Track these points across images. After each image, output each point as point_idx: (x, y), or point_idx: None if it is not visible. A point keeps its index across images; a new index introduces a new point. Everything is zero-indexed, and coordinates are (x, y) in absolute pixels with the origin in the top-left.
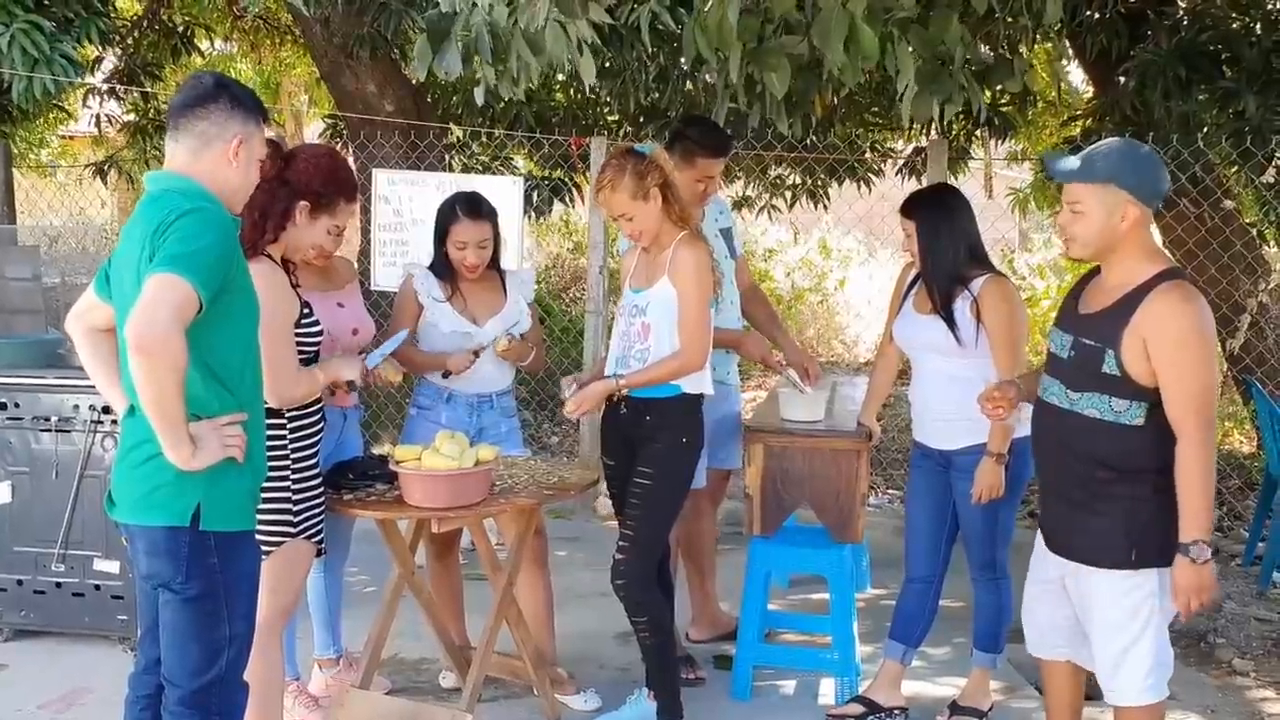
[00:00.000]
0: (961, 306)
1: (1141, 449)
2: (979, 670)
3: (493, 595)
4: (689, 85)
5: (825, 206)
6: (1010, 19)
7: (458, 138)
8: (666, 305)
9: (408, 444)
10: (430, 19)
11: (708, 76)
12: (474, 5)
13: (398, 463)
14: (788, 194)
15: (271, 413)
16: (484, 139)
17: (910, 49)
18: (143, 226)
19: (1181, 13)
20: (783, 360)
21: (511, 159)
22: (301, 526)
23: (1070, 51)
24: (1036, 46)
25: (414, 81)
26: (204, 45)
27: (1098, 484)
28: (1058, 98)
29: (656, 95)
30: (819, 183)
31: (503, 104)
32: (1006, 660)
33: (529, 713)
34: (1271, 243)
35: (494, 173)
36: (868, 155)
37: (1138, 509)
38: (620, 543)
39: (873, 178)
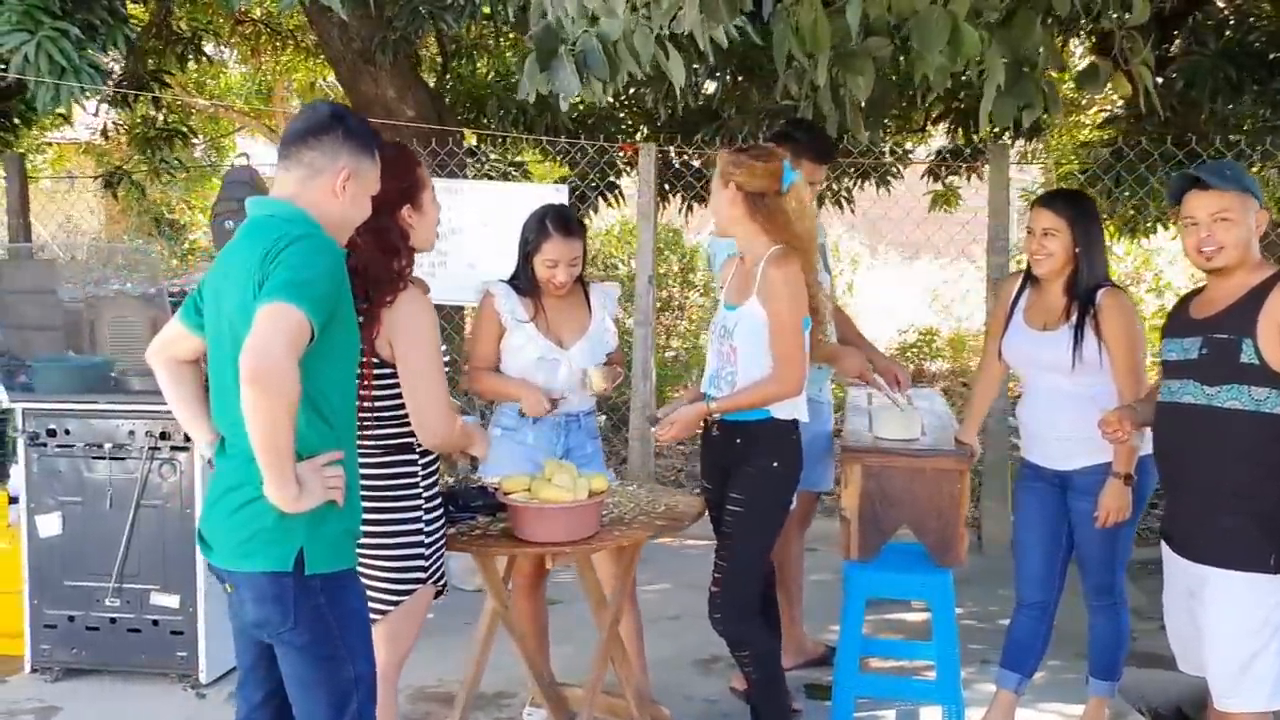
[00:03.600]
0: (1086, 321)
1: None
2: (1096, 699)
3: (598, 631)
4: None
5: (853, 210)
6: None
7: (472, 143)
8: (754, 326)
9: (493, 469)
10: (538, 36)
11: (790, 83)
12: (575, 17)
13: (506, 494)
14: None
15: (403, 448)
16: (500, 144)
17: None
18: (247, 253)
19: (1225, 13)
20: (876, 377)
21: (524, 164)
22: (431, 571)
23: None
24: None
25: (431, 85)
26: (209, 50)
27: (1238, 482)
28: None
29: (704, 102)
30: (845, 188)
31: (534, 110)
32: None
33: None
34: None
35: (507, 177)
36: (887, 158)
37: (1278, 510)
38: (715, 574)
39: (892, 180)
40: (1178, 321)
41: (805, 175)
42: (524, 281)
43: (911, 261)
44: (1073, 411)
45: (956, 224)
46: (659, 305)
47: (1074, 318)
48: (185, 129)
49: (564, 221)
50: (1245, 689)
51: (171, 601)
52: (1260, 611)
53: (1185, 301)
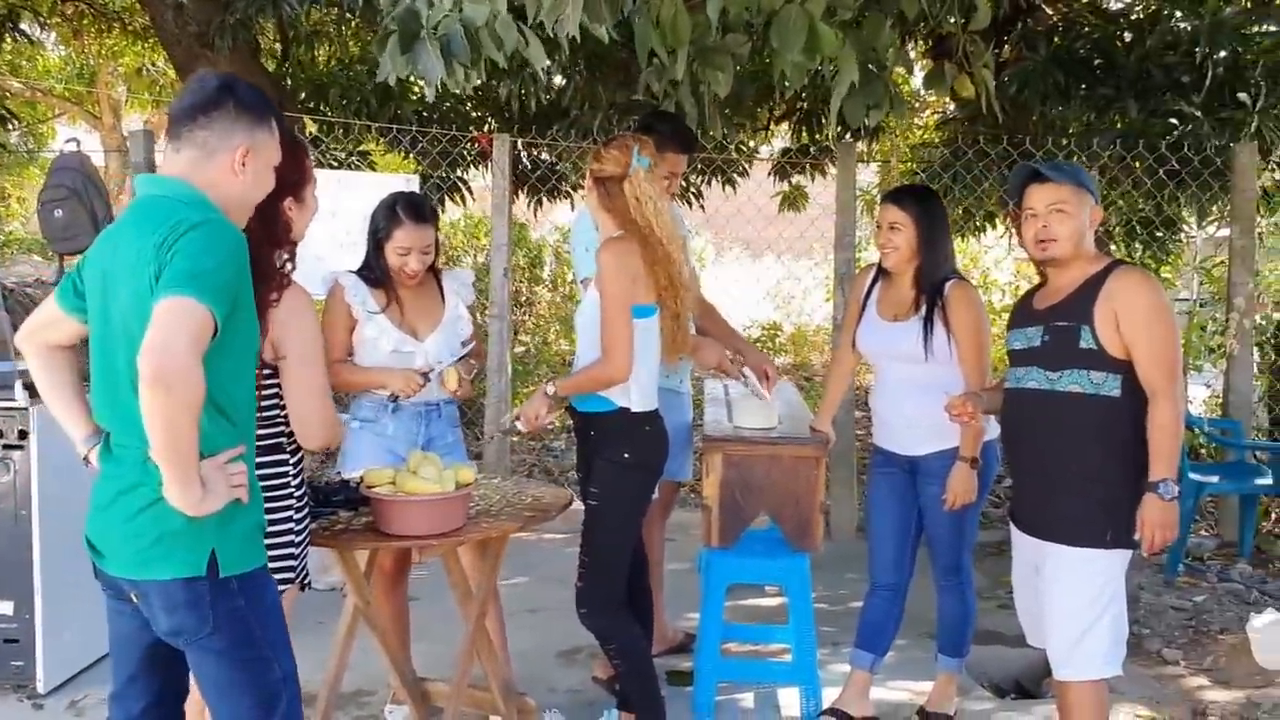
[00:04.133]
0: (935, 312)
1: (1121, 420)
2: (945, 675)
3: (464, 625)
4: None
5: (703, 207)
6: (936, 24)
7: (313, 132)
8: (590, 311)
9: (352, 462)
10: (401, 18)
11: (650, 80)
12: (437, 1)
13: (369, 488)
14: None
15: (276, 448)
16: (339, 133)
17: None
18: (139, 237)
19: (1054, 20)
20: (741, 366)
21: (368, 154)
22: (300, 572)
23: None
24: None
25: (270, 71)
26: (26, 29)
27: (1078, 462)
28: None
29: (558, 93)
30: (692, 185)
31: (377, 99)
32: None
33: None
34: (1118, 242)
35: (349, 167)
36: (734, 155)
37: (1116, 489)
38: (579, 569)
39: (738, 179)
40: (1021, 313)
41: (669, 166)
42: (375, 271)
43: (757, 259)
44: (922, 399)
45: (802, 222)
46: (510, 300)
47: (923, 309)
48: (7, 112)
49: (415, 208)
50: (1080, 659)
51: (4, 608)
52: (1095, 585)
53: (1029, 295)
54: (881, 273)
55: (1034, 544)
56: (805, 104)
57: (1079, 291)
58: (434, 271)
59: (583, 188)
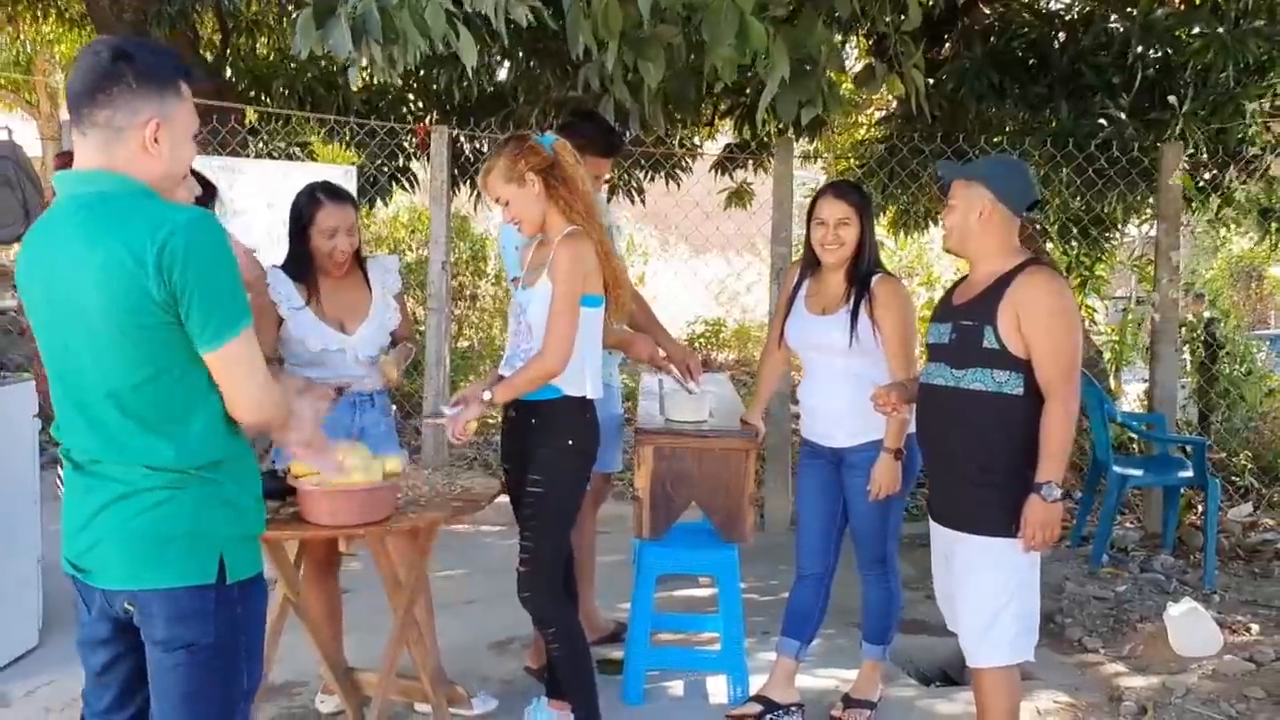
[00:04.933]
0: (862, 305)
1: (1022, 418)
2: (869, 663)
3: (393, 615)
4: (532, 73)
5: (643, 201)
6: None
7: (252, 122)
8: (546, 304)
9: (282, 455)
10: None
11: (590, 76)
12: None
13: (295, 477)
14: (604, 189)
15: None
16: (282, 123)
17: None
18: (112, 247)
19: (991, 20)
20: (669, 365)
21: (309, 144)
22: None
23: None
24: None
25: (209, 61)
26: None
27: (982, 456)
28: (865, 98)
29: (495, 86)
30: (632, 179)
31: (323, 89)
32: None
33: None
34: (1054, 240)
35: (290, 158)
36: (675, 151)
37: (1017, 481)
38: (521, 555)
39: (681, 174)
40: (940, 308)
41: (591, 170)
42: (300, 264)
43: (700, 255)
44: (848, 392)
45: (743, 218)
46: (451, 293)
47: (851, 302)
48: None
49: (332, 190)
50: (989, 646)
51: None
52: (1001, 574)
53: (952, 289)
54: (809, 268)
55: (946, 534)
56: (747, 100)
57: (988, 290)
58: (358, 261)
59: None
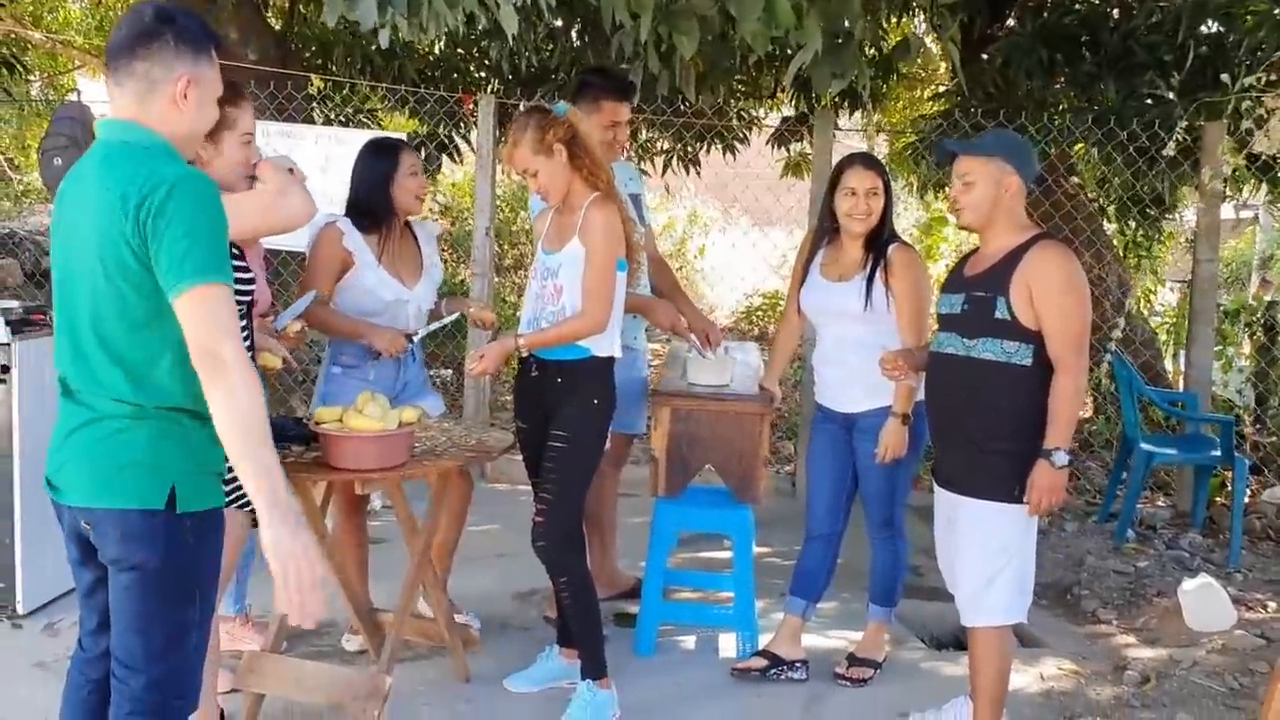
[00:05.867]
0: (878, 272)
1: (1030, 388)
2: (875, 624)
3: (409, 557)
4: (577, 46)
5: (698, 173)
6: None
7: (318, 89)
8: (578, 266)
9: (332, 404)
10: None
11: (624, 43)
12: None
13: (318, 424)
14: (658, 159)
15: None
16: (347, 91)
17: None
18: (107, 186)
19: None
20: (689, 333)
21: (375, 112)
22: (232, 495)
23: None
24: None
25: (278, 28)
26: None
27: (989, 423)
28: (925, 72)
29: (546, 55)
30: (689, 149)
31: (381, 58)
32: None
33: (439, 674)
34: (1112, 219)
35: (357, 126)
36: (735, 123)
37: (1024, 449)
38: (539, 505)
39: (738, 145)
40: (951, 279)
41: (609, 115)
42: (375, 217)
43: (762, 227)
44: (859, 358)
45: (804, 190)
46: (510, 263)
47: (867, 269)
48: (18, 62)
49: (403, 142)
50: (985, 607)
51: None
52: (1002, 538)
53: (962, 261)
54: (825, 235)
55: (950, 498)
56: (804, 73)
57: (1000, 263)
58: (406, 222)
59: None
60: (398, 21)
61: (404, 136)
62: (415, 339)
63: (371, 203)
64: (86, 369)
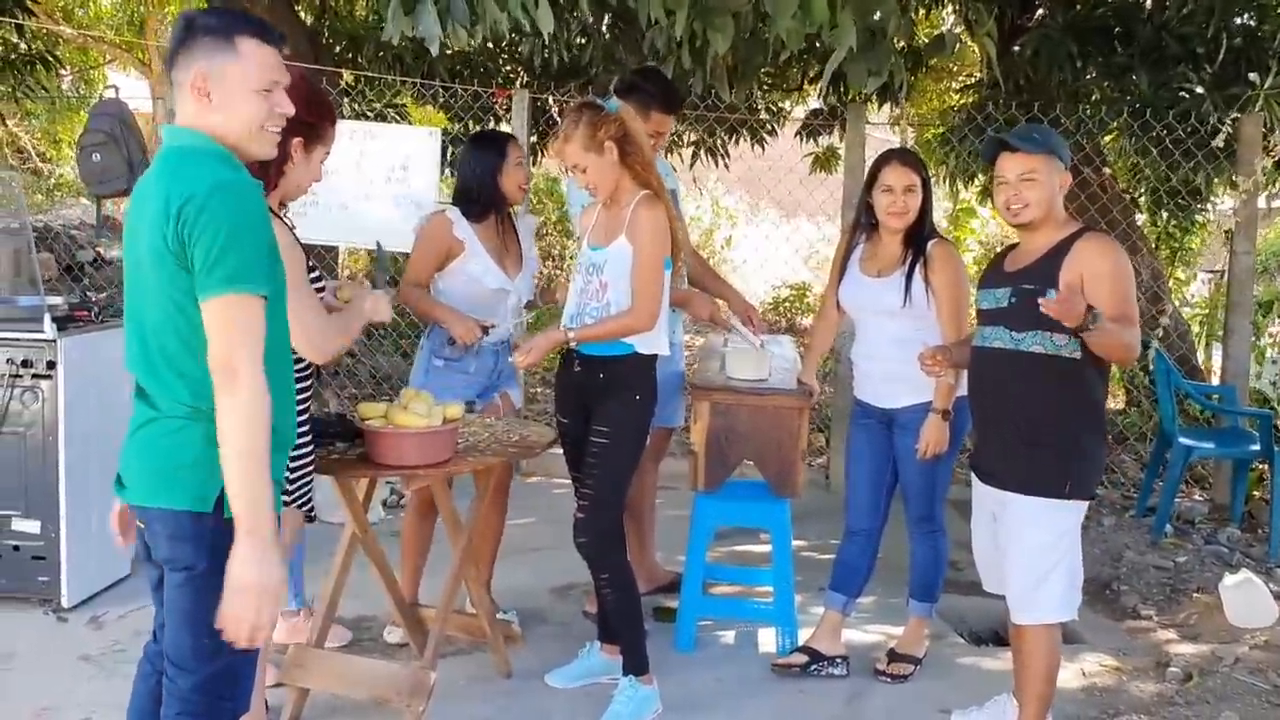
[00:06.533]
0: (917, 268)
1: (1080, 378)
2: (915, 619)
3: (452, 554)
4: (607, 40)
5: (728, 166)
6: None
7: (348, 83)
8: (624, 263)
9: (441, 397)
10: None
11: (657, 40)
12: None
13: (363, 420)
14: (687, 151)
15: None
16: (377, 85)
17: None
18: (158, 191)
19: None
20: (729, 315)
21: (404, 106)
22: (295, 495)
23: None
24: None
25: (309, 22)
26: None
27: (1039, 417)
28: (954, 64)
29: (578, 50)
30: (719, 141)
31: (412, 54)
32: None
33: (480, 668)
34: (1145, 211)
35: (388, 120)
36: (763, 115)
37: (1074, 444)
38: (581, 501)
39: (766, 138)
40: (992, 274)
41: (654, 126)
42: (487, 204)
43: (790, 219)
44: (899, 353)
45: (834, 183)
46: (540, 255)
47: (907, 265)
48: (50, 56)
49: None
50: (1038, 604)
51: (32, 527)
52: (1053, 534)
53: (1000, 256)
54: (864, 231)
55: (994, 493)
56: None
57: (1046, 256)
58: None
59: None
60: (458, 32)
61: (431, 134)
62: (492, 331)
63: (480, 193)
64: (151, 370)
